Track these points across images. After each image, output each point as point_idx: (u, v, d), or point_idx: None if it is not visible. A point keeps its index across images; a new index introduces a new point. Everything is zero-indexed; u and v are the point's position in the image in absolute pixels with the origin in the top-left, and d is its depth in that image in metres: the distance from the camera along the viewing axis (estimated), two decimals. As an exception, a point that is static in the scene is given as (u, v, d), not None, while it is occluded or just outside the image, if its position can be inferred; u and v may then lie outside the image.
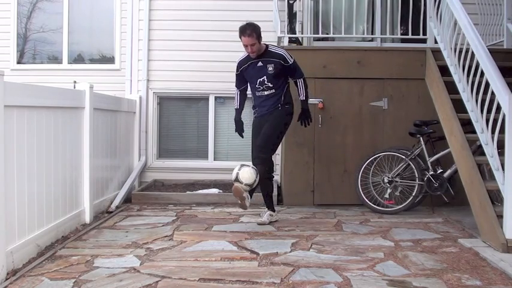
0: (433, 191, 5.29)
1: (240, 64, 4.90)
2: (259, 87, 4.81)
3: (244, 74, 4.89)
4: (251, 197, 4.74)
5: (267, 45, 4.83)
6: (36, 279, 3.24)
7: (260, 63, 4.77)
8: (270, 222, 4.85)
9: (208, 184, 6.68)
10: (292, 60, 4.79)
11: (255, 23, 4.76)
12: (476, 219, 4.36)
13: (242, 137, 5.12)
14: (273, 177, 5.08)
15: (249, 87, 4.99)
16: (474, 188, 4.34)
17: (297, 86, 4.89)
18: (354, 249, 3.96)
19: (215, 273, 3.36)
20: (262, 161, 4.70)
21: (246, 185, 4.51)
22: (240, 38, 4.70)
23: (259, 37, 4.69)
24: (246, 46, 4.70)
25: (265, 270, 3.43)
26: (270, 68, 4.74)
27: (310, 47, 6.42)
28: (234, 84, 5.04)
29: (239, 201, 4.58)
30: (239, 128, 5.06)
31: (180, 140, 7.17)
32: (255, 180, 4.53)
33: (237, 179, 4.52)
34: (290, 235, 4.41)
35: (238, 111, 5.07)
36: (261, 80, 4.77)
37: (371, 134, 5.82)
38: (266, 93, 4.81)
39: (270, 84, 4.77)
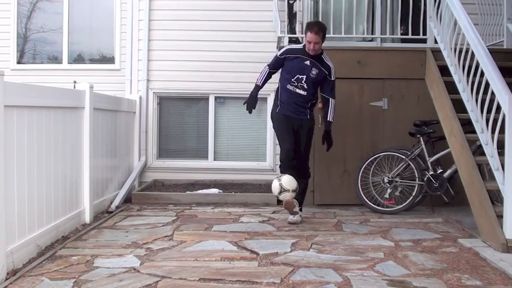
0: (433, 191, 5.29)
1: (289, 51, 4.84)
2: (294, 83, 4.77)
3: (286, 62, 4.81)
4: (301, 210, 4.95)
5: (322, 51, 4.83)
6: (36, 279, 3.24)
7: (308, 62, 4.76)
8: (270, 223, 4.86)
9: (208, 184, 6.68)
10: (334, 78, 4.83)
11: (324, 24, 4.92)
12: (476, 219, 4.36)
13: (250, 112, 4.95)
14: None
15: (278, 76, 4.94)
16: (474, 188, 4.34)
17: (327, 105, 4.87)
18: (354, 249, 3.96)
19: (215, 273, 3.36)
20: (307, 170, 4.98)
21: (293, 191, 4.63)
22: (306, 33, 4.72)
23: (323, 38, 4.72)
24: (309, 43, 4.68)
25: (265, 270, 3.43)
26: (314, 72, 4.74)
27: (310, 47, 6.41)
28: (268, 63, 4.93)
29: (289, 212, 4.78)
30: (251, 103, 4.89)
31: (180, 140, 7.17)
32: (297, 186, 4.67)
33: (282, 190, 4.61)
34: (290, 235, 4.41)
35: (258, 88, 4.91)
36: (300, 77, 4.75)
37: (371, 134, 5.82)
38: (297, 91, 4.77)
39: (305, 86, 4.75)
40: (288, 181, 4.62)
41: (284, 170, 4.79)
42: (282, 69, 4.88)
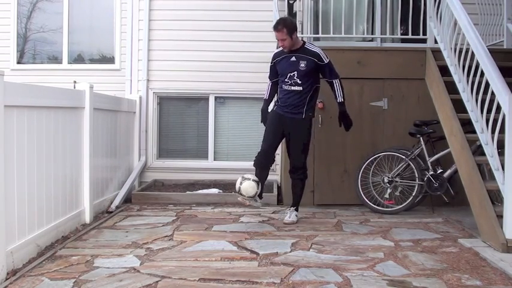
0: (433, 191, 5.29)
1: (275, 56, 4.94)
2: (288, 82, 4.81)
3: (277, 66, 4.90)
4: (261, 198, 4.92)
5: (304, 42, 4.87)
6: (36, 279, 3.24)
7: (293, 58, 4.79)
8: (270, 223, 4.86)
9: (208, 184, 6.68)
10: (327, 60, 4.80)
11: (289, 18, 5.02)
12: (476, 219, 4.36)
13: None
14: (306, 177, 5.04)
15: None
16: (474, 188, 4.34)
17: (333, 87, 4.89)
18: (354, 249, 3.96)
19: (215, 273, 3.36)
20: (303, 172, 4.91)
21: (248, 197, 4.71)
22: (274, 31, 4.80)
23: (291, 32, 4.70)
24: (278, 40, 4.77)
25: (265, 270, 3.43)
26: (302, 65, 4.75)
27: (310, 47, 6.41)
28: (268, 75, 5.05)
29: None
30: (265, 118, 5.01)
31: (180, 140, 7.17)
32: (256, 192, 4.72)
33: (239, 192, 4.71)
34: (290, 235, 4.41)
35: (266, 102, 5.06)
36: (291, 74, 4.78)
37: (371, 134, 5.82)
38: (293, 88, 4.80)
39: (298, 81, 4.76)
40: (246, 188, 4.69)
41: (256, 166, 4.86)
42: (278, 72, 4.94)
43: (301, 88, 4.78)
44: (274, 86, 5.04)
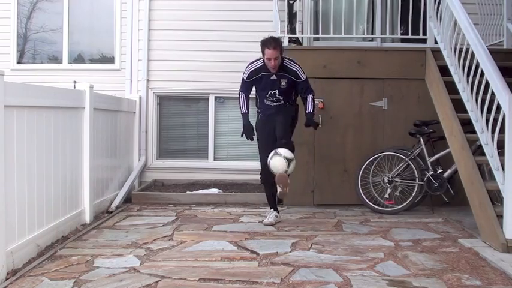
0: (433, 191, 5.29)
1: (252, 74, 4.75)
2: (270, 98, 4.77)
3: (255, 83, 4.77)
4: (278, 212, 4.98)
5: (282, 59, 4.70)
6: (36, 279, 3.24)
7: (274, 77, 4.69)
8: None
9: (208, 184, 6.68)
10: (304, 77, 4.72)
11: (276, 37, 4.81)
12: (476, 219, 4.36)
13: (252, 140, 4.84)
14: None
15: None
16: (474, 188, 4.34)
17: (305, 101, 4.76)
18: (354, 249, 3.96)
19: (215, 273, 3.36)
20: (287, 144, 4.66)
21: (285, 158, 4.49)
22: (263, 51, 4.57)
23: (281, 51, 4.60)
24: (269, 60, 4.56)
25: (265, 270, 3.43)
26: (283, 83, 4.69)
27: (310, 47, 6.42)
28: (239, 88, 4.89)
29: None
30: (249, 132, 4.80)
31: (180, 140, 7.18)
32: (292, 158, 4.53)
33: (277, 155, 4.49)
34: (290, 235, 4.41)
35: (246, 115, 4.82)
36: (272, 92, 4.73)
37: (371, 134, 5.82)
38: (275, 104, 4.79)
39: (280, 97, 4.75)
40: (277, 164, 4.50)
41: (263, 183, 4.91)
42: (255, 86, 4.83)
43: (282, 102, 4.78)
44: (248, 97, 4.87)
